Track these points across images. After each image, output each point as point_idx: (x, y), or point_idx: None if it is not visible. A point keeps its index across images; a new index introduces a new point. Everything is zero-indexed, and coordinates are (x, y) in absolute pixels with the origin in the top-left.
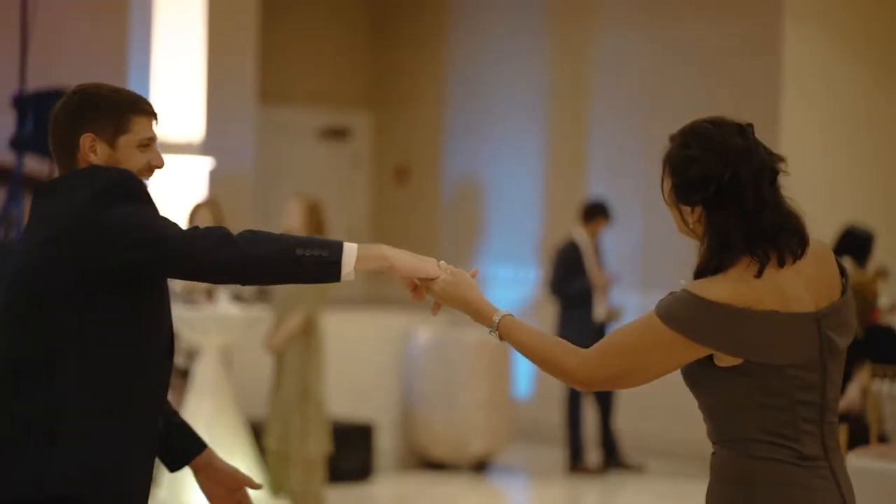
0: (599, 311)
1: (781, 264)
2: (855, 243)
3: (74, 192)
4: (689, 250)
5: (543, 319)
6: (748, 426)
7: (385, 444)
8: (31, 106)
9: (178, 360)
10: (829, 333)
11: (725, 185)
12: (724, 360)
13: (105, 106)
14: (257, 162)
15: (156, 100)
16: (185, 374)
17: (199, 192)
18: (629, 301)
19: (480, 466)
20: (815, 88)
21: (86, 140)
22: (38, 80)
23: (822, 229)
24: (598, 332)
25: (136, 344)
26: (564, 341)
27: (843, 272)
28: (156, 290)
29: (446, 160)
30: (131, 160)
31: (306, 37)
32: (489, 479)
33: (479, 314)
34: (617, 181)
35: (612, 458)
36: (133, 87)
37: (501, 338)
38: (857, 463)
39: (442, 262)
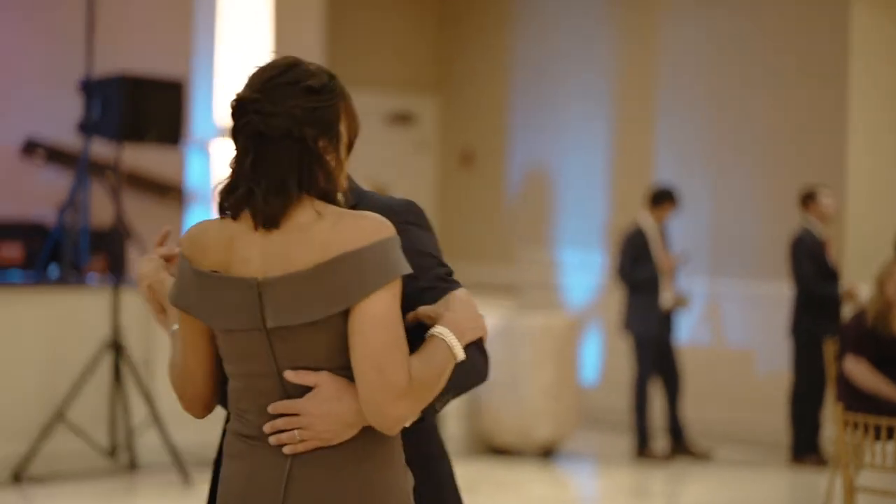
0: (666, 298)
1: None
2: None
3: None
4: (756, 236)
5: (610, 305)
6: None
7: (451, 430)
8: (97, 91)
9: None
10: (272, 306)
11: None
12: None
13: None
14: None
15: (220, 85)
16: None
17: None
18: (696, 287)
19: (547, 453)
20: (882, 70)
21: None
22: (104, 66)
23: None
24: (664, 318)
25: None
26: None
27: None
28: None
29: (512, 145)
30: None
31: (372, 21)
32: (555, 466)
33: None
34: (683, 166)
35: (679, 445)
36: (197, 73)
37: None
38: None
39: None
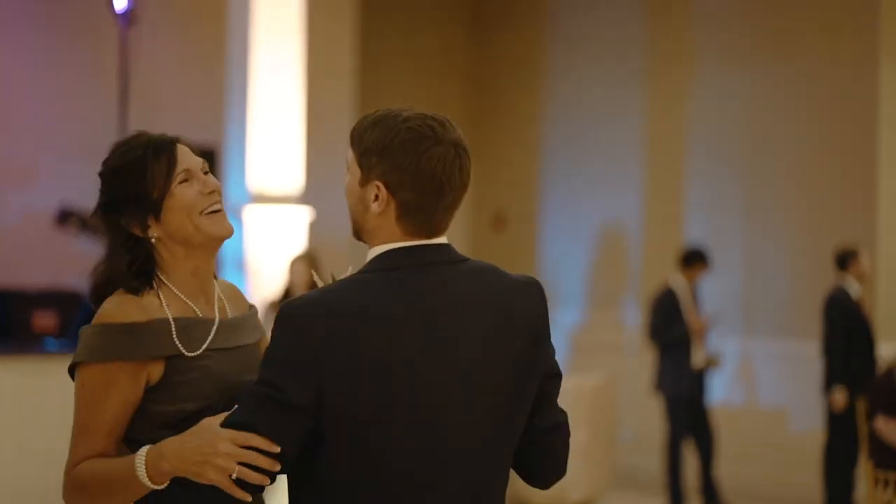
0: (698, 358)
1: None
2: None
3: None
4: (788, 294)
5: (642, 366)
6: None
7: None
8: None
9: None
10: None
11: None
12: None
13: None
14: None
15: (254, 151)
16: None
17: (298, 242)
18: (728, 346)
19: None
20: None
21: None
22: (137, 128)
23: None
24: (696, 378)
25: None
26: None
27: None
28: None
29: (544, 207)
30: None
31: (403, 85)
32: None
33: None
34: (714, 225)
35: None
36: (231, 138)
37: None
38: None
39: None
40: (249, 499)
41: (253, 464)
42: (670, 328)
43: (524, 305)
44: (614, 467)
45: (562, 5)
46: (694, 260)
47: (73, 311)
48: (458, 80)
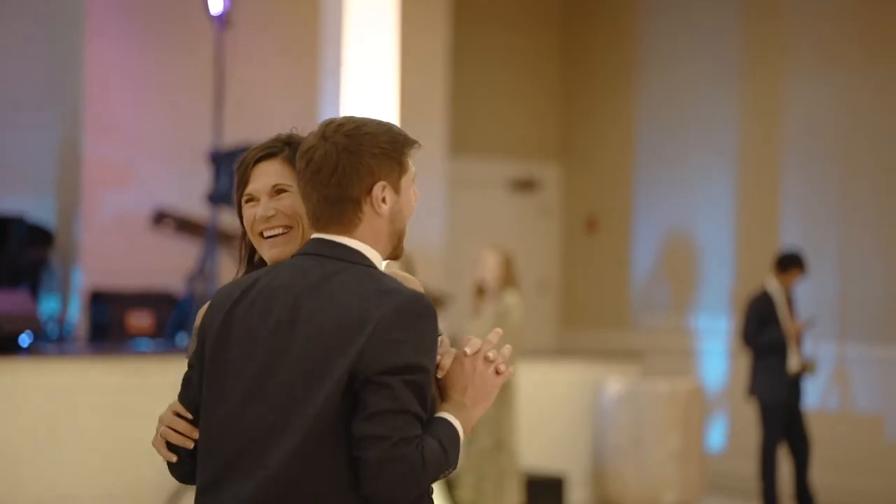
0: (793, 363)
1: None
2: None
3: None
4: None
5: (737, 371)
6: None
7: (576, 496)
8: (225, 162)
9: None
10: None
11: None
12: None
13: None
14: (448, 215)
15: None
16: None
17: None
18: (824, 352)
19: None
20: None
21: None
22: (231, 137)
23: None
24: (791, 383)
25: None
26: None
27: None
28: None
29: (636, 210)
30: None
31: (496, 90)
32: None
33: None
34: (810, 228)
35: None
36: None
37: None
38: None
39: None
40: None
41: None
42: (765, 333)
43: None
44: (707, 473)
45: (653, 4)
46: (790, 264)
47: (168, 311)
48: (551, 86)
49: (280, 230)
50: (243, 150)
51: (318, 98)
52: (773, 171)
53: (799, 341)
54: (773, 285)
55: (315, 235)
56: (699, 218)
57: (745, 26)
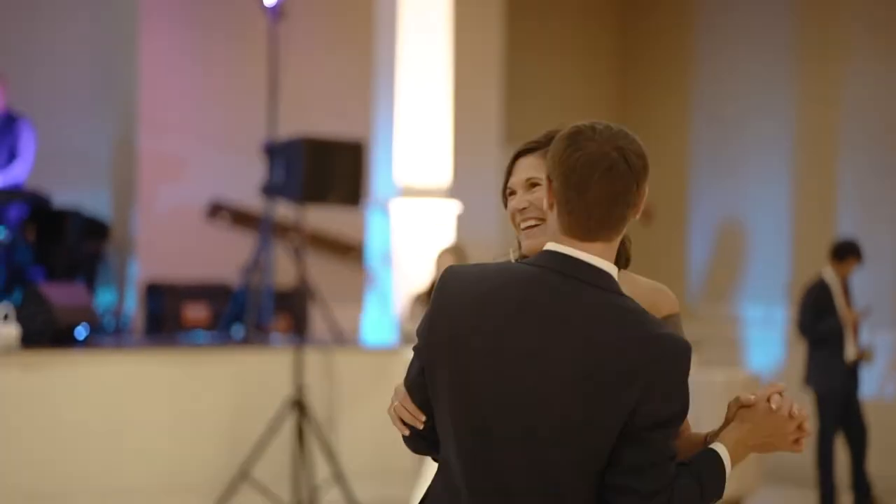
0: (850, 351)
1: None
2: None
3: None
4: None
5: (794, 360)
6: None
7: None
8: (280, 154)
9: None
10: None
11: None
12: None
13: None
14: (503, 208)
15: (402, 144)
16: None
17: (446, 236)
18: (881, 341)
19: None
20: None
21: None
22: (286, 129)
23: None
24: (848, 372)
25: None
26: None
27: None
28: None
29: (692, 199)
30: None
31: (550, 80)
32: None
33: None
34: (866, 217)
35: (865, 501)
36: (379, 132)
37: None
38: None
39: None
40: None
41: None
42: (822, 322)
43: (627, 348)
44: (764, 462)
45: None
46: (846, 253)
47: (223, 303)
48: (605, 75)
49: (533, 221)
50: (297, 141)
51: (372, 91)
52: (830, 158)
53: (856, 330)
54: (830, 274)
55: (559, 249)
56: (756, 207)
57: (804, 19)
